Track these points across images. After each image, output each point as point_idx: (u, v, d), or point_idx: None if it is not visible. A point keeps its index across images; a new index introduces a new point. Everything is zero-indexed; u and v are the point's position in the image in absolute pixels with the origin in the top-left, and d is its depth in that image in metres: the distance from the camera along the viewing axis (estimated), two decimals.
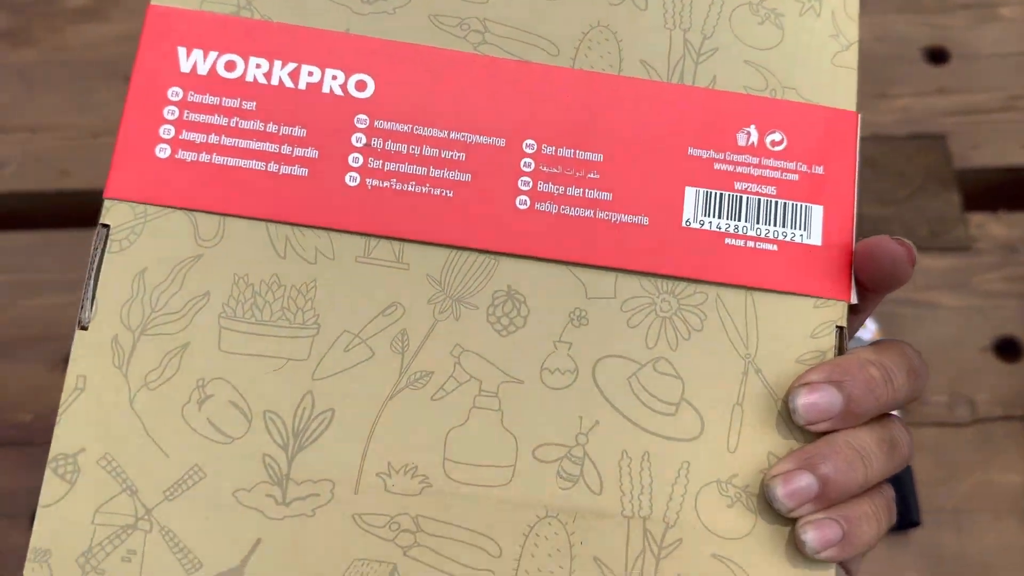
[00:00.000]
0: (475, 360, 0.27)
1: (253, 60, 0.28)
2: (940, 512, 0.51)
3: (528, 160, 0.28)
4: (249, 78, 0.28)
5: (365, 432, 0.26)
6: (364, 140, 0.28)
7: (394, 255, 0.28)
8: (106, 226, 0.27)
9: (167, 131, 0.27)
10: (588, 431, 0.27)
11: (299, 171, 0.27)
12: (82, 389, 0.26)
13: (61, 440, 0.25)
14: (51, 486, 0.25)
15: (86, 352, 0.26)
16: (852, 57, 0.30)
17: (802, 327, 0.28)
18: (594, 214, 0.28)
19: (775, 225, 0.29)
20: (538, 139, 0.28)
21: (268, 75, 0.28)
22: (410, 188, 0.28)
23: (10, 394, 0.55)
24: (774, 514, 0.27)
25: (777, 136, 0.29)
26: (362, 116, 0.28)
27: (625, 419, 0.27)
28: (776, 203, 0.29)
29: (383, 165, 0.28)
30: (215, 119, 0.28)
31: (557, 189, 0.28)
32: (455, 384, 0.27)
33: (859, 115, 0.30)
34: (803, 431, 0.27)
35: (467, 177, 0.28)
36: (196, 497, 0.25)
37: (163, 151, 0.27)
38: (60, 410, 0.26)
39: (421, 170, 0.28)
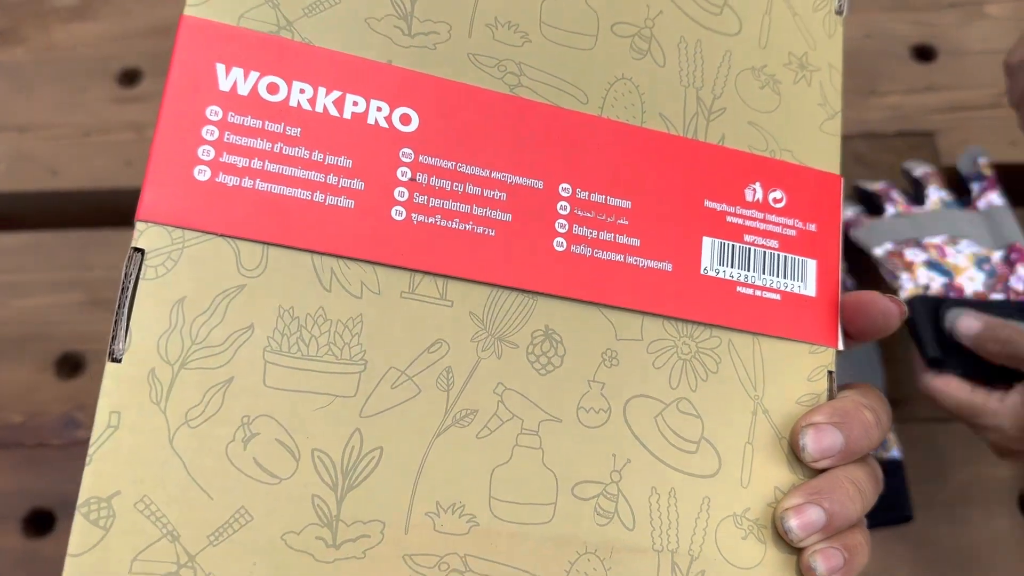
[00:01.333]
0: (517, 398, 0.28)
1: (297, 84, 0.27)
2: (932, 506, 0.52)
3: (564, 203, 0.29)
4: (293, 103, 0.27)
5: (414, 471, 0.26)
6: (409, 175, 0.28)
7: (438, 291, 0.27)
8: (140, 250, 0.25)
9: (206, 152, 0.26)
10: (621, 468, 0.28)
11: (345, 203, 0.27)
12: (116, 427, 0.24)
13: (93, 483, 0.23)
14: (82, 533, 0.23)
15: (120, 387, 0.24)
16: (836, 125, 0.34)
17: (800, 371, 0.31)
18: (624, 259, 0.29)
19: (778, 276, 0.31)
20: (573, 183, 0.29)
21: (312, 101, 0.27)
22: (454, 225, 0.28)
23: (0, 395, 0.53)
24: (781, 544, 0.29)
25: (778, 194, 0.32)
26: (407, 150, 0.28)
27: (654, 457, 0.29)
28: (778, 256, 0.31)
29: (428, 201, 0.28)
30: (258, 143, 0.26)
31: (591, 233, 0.29)
32: (499, 422, 0.27)
33: (842, 178, 0.33)
34: (805, 467, 0.30)
35: (508, 217, 0.28)
36: (243, 542, 0.24)
37: (202, 173, 0.26)
38: (91, 450, 0.24)
39: (465, 208, 0.28)
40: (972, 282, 0.47)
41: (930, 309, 0.46)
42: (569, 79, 0.30)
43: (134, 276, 0.25)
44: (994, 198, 0.53)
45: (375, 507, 0.25)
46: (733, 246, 0.31)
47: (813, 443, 0.29)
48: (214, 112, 0.26)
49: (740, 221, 0.31)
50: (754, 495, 0.29)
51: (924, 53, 0.65)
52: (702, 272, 0.30)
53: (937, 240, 0.49)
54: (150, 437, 0.24)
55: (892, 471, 0.51)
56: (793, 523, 0.29)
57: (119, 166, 0.61)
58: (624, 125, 0.31)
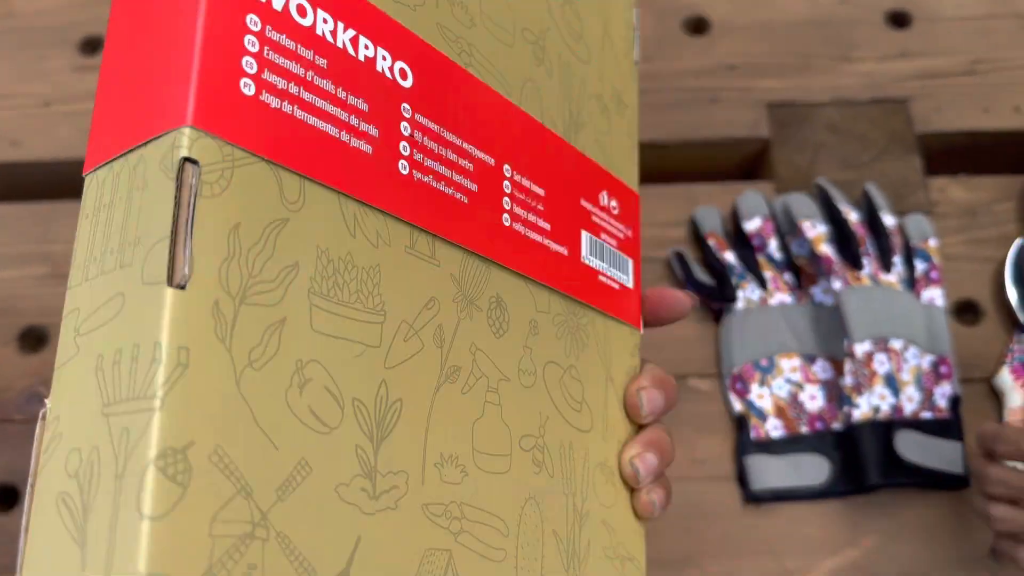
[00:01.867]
0: (484, 358, 0.29)
1: (320, 13, 0.25)
2: None
3: (507, 182, 0.32)
4: (319, 31, 0.25)
5: (424, 423, 0.26)
6: (409, 130, 0.28)
7: (429, 250, 0.28)
8: (195, 162, 0.21)
9: (250, 64, 0.23)
10: (544, 424, 0.32)
11: (365, 147, 0.26)
12: (186, 365, 0.20)
13: (168, 431, 0.19)
14: (161, 491, 0.19)
15: (186, 318, 0.20)
16: (636, 154, 0.42)
17: (627, 347, 0.38)
18: (543, 240, 0.33)
19: (617, 269, 0.38)
20: (511, 165, 0.32)
21: (334, 34, 0.26)
22: (441, 187, 0.29)
23: None
24: (623, 485, 0.36)
25: (614, 203, 0.39)
26: (406, 105, 0.28)
27: (560, 415, 0.33)
28: (617, 253, 0.38)
29: (424, 160, 0.28)
30: (294, 67, 0.24)
31: (524, 213, 0.32)
32: (474, 380, 0.29)
33: (639, 196, 0.42)
34: (633, 424, 0.37)
35: (475, 187, 0.30)
36: (306, 495, 0.22)
37: (248, 87, 0.23)
38: (161, 392, 0.19)
39: (447, 172, 0.29)
40: (911, 403, 0.55)
41: (881, 433, 0.54)
42: (500, 68, 0.33)
43: (193, 189, 0.21)
44: (936, 296, 0.57)
45: (401, 458, 0.25)
46: (598, 240, 0.37)
47: (648, 403, 0.37)
48: (254, 22, 0.23)
49: (599, 221, 0.37)
50: (609, 447, 0.36)
51: (899, 19, 0.64)
52: (583, 259, 0.36)
53: (898, 345, 0.55)
54: (218, 379, 0.20)
55: (858, 440, 0.54)
56: (642, 468, 0.35)
57: (81, 136, 0.60)
58: (535, 121, 0.34)
